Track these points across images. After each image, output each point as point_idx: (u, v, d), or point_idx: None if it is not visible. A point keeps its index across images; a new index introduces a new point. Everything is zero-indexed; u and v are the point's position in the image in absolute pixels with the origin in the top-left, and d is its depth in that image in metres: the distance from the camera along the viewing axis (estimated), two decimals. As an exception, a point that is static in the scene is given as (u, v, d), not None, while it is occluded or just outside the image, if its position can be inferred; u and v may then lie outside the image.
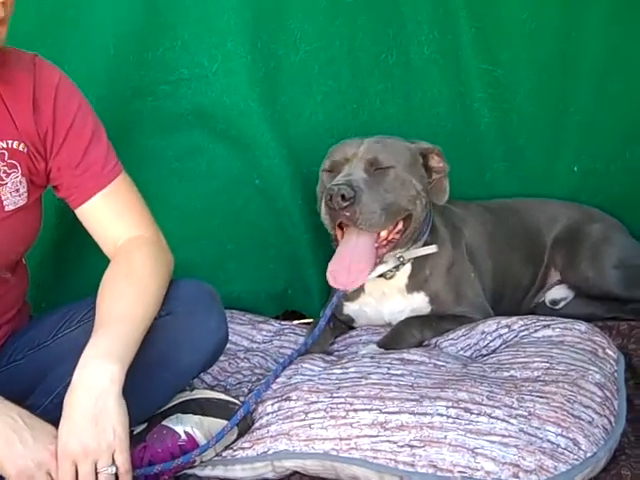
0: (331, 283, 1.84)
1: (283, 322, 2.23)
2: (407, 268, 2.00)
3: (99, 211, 1.60)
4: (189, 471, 1.57)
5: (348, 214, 1.78)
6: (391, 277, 1.98)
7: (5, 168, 1.51)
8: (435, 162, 1.98)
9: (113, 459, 1.36)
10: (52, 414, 1.42)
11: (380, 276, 1.97)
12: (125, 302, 1.48)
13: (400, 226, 1.90)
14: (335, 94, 2.15)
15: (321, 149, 2.06)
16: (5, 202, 1.51)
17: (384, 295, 2.03)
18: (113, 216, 1.60)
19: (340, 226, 1.88)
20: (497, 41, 2.15)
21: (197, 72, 2.02)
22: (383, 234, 1.87)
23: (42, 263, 2.02)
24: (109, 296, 1.51)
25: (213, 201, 2.16)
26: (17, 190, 1.53)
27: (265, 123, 2.07)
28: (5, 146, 1.51)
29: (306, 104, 2.14)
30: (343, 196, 1.75)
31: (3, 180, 1.51)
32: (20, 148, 1.52)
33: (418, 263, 2.00)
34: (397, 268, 1.98)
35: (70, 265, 2.14)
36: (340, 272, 1.82)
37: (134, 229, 1.61)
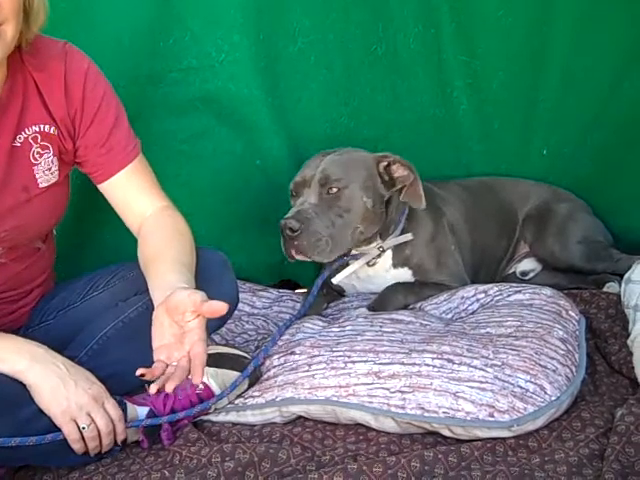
0: None
1: (281, 290, 2.37)
2: (389, 253, 2.16)
3: (123, 187, 1.73)
4: (205, 417, 1.72)
5: (296, 243, 1.93)
6: (373, 264, 2.14)
7: (39, 149, 1.63)
8: (397, 172, 2.06)
9: None
10: (85, 365, 1.59)
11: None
12: (185, 255, 1.66)
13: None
14: (329, 82, 2.24)
15: (316, 132, 2.21)
16: (39, 180, 1.64)
17: (369, 276, 2.18)
18: (137, 191, 1.74)
19: None
20: (475, 35, 2.23)
21: (205, 61, 2.10)
22: None
23: (62, 237, 2.05)
24: (168, 251, 1.65)
25: (218, 180, 2.27)
26: (49, 169, 1.65)
27: (266, 109, 2.17)
28: (38, 130, 1.63)
29: (303, 91, 2.23)
30: (291, 229, 1.91)
31: (37, 160, 1.63)
32: (51, 131, 1.64)
33: (398, 246, 2.16)
34: (379, 256, 2.13)
35: (87, 239, 2.23)
36: None
37: (157, 202, 1.75)
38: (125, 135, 1.74)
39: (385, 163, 2.05)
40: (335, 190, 2.00)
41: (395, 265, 2.17)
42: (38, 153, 1.64)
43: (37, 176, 1.64)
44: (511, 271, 2.44)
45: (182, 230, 1.74)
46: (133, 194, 1.75)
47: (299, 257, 1.98)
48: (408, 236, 2.15)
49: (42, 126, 1.63)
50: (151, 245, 1.69)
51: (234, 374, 1.74)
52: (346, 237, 2.00)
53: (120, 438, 1.58)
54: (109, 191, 1.76)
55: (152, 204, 1.75)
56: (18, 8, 1.47)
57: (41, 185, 1.65)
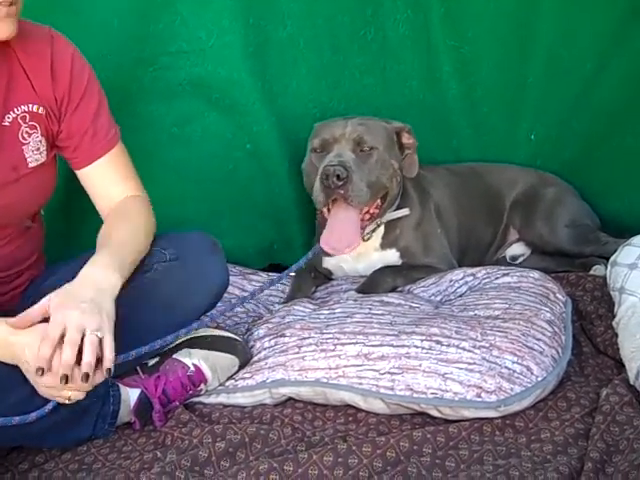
0: (325, 249, 1.97)
1: (270, 273, 2.36)
2: (381, 229, 2.17)
3: (102, 173, 1.75)
4: (196, 399, 1.75)
5: (342, 192, 1.92)
6: (368, 239, 2.15)
7: (27, 129, 1.64)
8: (406, 139, 2.13)
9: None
10: None
11: None
12: (123, 232, 1.66)
13: (378, 202, 2.07)
14: (318, 67, 2.23)
15: (306, 117, 2.20)
16: (28, 159, 1.66)
17: (359, 254, 2.18)
18: (114, 178, 1.76)
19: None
20: (464, 20, 2.23)
21: (195, 45, 2.09)
22: (365, 209, 2.02)
23: (51, 220, 2.06)
24: (109, 231, 1.68)
25: (207, 163, 2.26)
26: (38, 149, 1.67)
27: (256, 93, 2.16)
28: (27, 109, 1.64)
29: (292, 76, 2.22)
30: (338, 176, 1.91)
31: (26, 140, 1.65)
32: (39, 111, 1.65)
33: (390, 223, 2.17)
34: (374, 230, 2.15)
35: (75, 223, 2.23)
36: (332, 240, 1.97)
37: (130, 190, 1.77)
38: (107, 121, 1.75)
39: (400, 131, 2.12)
40: (367, 149, 2.03)
41: (383, 246, 2.19)
42: (27, 133, 1.65)
43: (26, 156, 1.66)
44: (501, 256, 2.45)
45: (140, 216, 1.74)
46: (109, 181, 1.76)
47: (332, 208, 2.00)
48: (405, 211, 2.17)
49: (30, 106, 1.65)
50: (104, 228, 1.72)
51: (225, 356, 1.75)
52: (377, 195, 2.04)
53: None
54: (87, 176, 1.77)
55: (124, 192, 1.76)
56: None
57: (30, 165, 1.67)
